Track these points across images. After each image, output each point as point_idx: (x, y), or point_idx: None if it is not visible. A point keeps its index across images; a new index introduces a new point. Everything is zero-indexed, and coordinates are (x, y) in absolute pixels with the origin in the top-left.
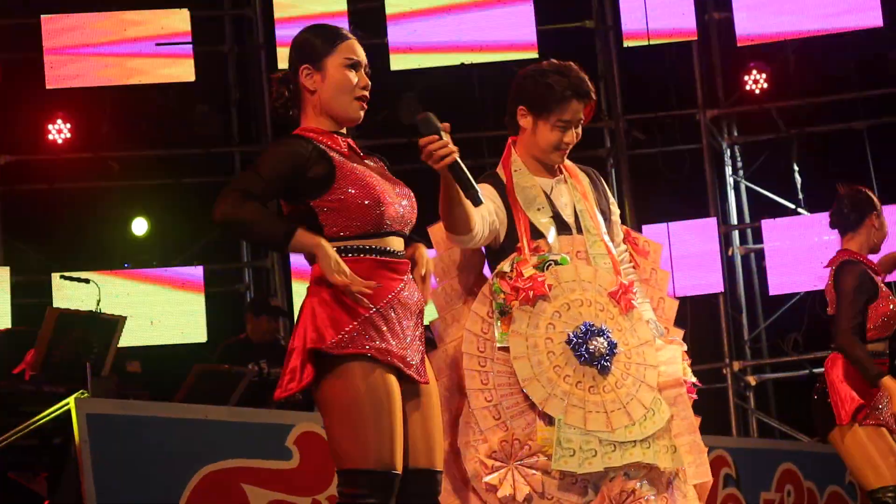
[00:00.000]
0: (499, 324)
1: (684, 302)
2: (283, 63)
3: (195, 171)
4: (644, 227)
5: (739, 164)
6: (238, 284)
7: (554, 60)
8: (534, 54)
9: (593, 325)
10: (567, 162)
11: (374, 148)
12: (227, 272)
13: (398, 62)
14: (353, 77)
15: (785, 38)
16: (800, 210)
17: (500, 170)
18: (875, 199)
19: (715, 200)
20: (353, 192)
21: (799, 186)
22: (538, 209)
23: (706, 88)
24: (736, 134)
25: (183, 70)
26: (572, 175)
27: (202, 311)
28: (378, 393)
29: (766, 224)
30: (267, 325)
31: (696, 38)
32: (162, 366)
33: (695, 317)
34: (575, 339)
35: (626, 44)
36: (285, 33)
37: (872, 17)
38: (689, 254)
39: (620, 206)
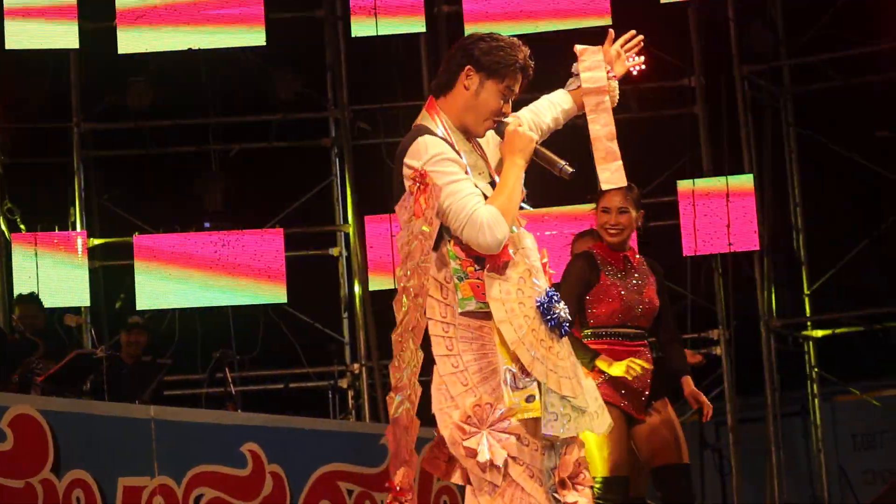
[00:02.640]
0: (458, 289)
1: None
2: None
3: None
4: (367, 219)
5: None
6: None
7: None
8: (262, 41)
9: (553, 291)
10: None
11: (100, 133)
12: None
13: (126, 45)
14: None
15: (513, 34)
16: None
17: (434, 128)
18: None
19: None
20: None
21: None
22: (479, 173)
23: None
24: None
25: None
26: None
27: None
28: None
29: None
30: None
31: (424, 30)
32: None
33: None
34: (543, 304)
35: (355, 34)
36: None
37: (601, 17)
38: None
39: (343, 197)
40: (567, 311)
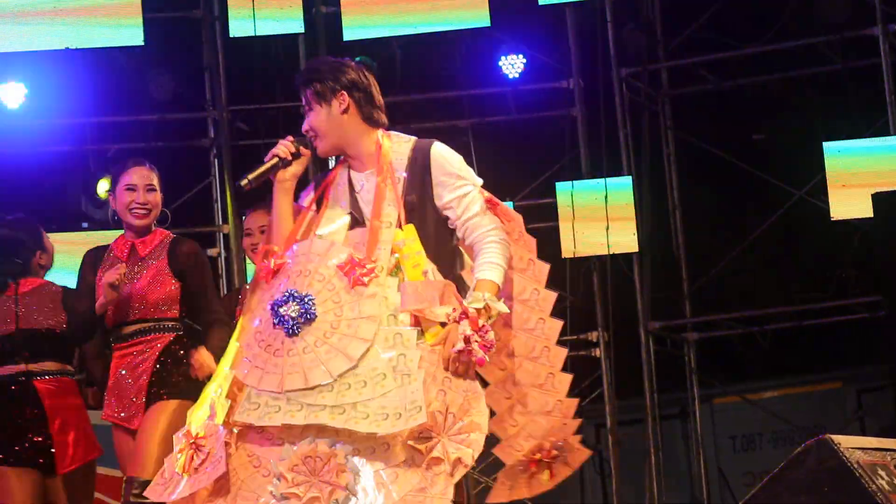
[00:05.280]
0: None
1: None
2: None
3: None
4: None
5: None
6: None
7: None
8: (139, 42)
9: (296, 291)
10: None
11: None
12: None
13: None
14: None
15: (392, 34)
16: None
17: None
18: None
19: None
20: None
21: None
22: (339, 205)
23: None
24: None
25: None
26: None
27: None
28: None
29: None
30: None
31: (303, 31)
32: None
33: None
34: (274, 305)
35: (233, 34)
36: None
37: (480, 18)
38: None
39: (222, 197)
40: (298, 310)
